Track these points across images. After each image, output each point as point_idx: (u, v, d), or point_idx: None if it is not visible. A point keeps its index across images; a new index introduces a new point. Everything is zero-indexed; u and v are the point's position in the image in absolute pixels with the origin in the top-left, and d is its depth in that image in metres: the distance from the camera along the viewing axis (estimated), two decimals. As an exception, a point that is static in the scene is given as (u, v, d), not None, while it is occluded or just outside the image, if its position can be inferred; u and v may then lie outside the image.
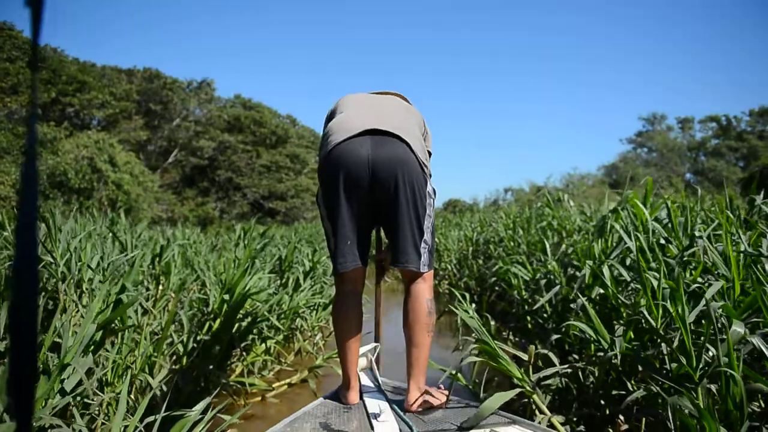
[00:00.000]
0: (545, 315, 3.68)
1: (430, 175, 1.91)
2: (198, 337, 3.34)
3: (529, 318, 3.84)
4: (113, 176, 18.83)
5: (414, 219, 1.78)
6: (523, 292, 3.96)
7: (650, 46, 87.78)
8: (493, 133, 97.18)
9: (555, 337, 2.67)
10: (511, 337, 4.19)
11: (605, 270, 2.67)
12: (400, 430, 1.64)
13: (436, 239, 9.29)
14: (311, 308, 4.36)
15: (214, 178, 35.15)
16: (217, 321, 3.22)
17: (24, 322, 0.30)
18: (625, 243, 2.81)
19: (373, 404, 1.83)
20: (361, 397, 1.95)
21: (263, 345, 3.63)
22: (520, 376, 2.06)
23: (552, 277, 3.49)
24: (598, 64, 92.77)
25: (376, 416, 1.71)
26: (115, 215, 7.68)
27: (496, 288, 5.47)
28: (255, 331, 3.57)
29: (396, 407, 1.82)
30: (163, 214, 29.58)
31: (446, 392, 1.94)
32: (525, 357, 2.34)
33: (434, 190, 1.90)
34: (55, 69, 26.31)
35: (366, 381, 2.14)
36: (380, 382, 2.11)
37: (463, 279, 7.10)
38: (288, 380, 3.61)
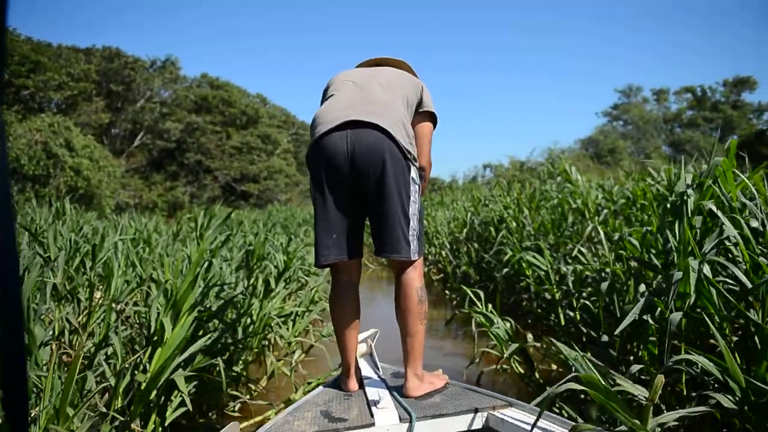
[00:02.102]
0: (578, 317, 2.90)
1: (415, 159, 1.83)
2: (137, 371, 2.48)
3: (557, 319, 3.05)
4: (71, 161, 17.54)
5: (399, 207, 1.75)
6: (555, 291, 3.16)
7: (625, 17, 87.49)
8: (468, 106, 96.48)
9: (637, 367, 1.86)
10: (533, 339, 3.40)
11: (707, 271, 1.87)
12: (400, 416, 1.64)
13: (424, 223, 8.55)
14: (287, 318, 3.49)
15: (182, 161, 33.76)
16: (161, 348, 2.35)
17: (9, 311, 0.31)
18: (723, 231, 2.02)
19: (373, 391, 1.85)
20: (361, 385, 1.96)
21: (226, 374, 2.76)
22: (639, 425, 1.28)
23: (605, 274, 2.69)
24: (573, 36, 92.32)
25: (375, 403, 1.72)
26: (59, 205, 6.72)
27: (508, 280, 4.68)
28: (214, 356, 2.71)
29: (395, 394, 1.82)
30: (130, 200, 28.33)
31: (445, 377, 1.96)
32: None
33: (419, 175, 1.87)
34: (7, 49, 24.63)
35: (366, 367, 2.13)
36: (380, 368, 2.13)
37: (461, 268, 6.26)
38: (259, 419, 2.76)
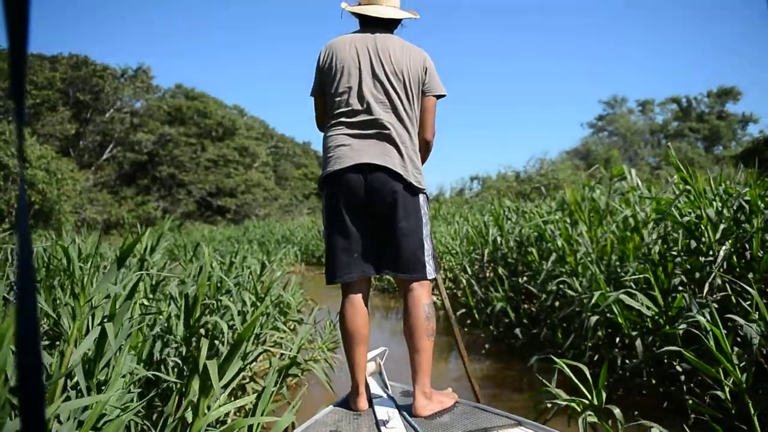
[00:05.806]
0: None
1: (424, 190, 1.91)
2: None
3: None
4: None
5: (410, 231, 1.81)
6: (738, 376, 1.73)
7: (609, 26, 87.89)
8: (452, 118, 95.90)
9: None
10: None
11: None
12: None
13: (434, 242, 7.31)
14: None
15: (155, 174, 32.00)
16: None
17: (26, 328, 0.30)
18: None
19: (382, 411, 1.82)
20: (370, 404, 1.92)
21: None
22: None
23: None
24: (557, 47, 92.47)
25: (384, 423, 1.70)
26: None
27: (569, 321, 3.26)
28: None
29: (404, 413, 1.79)
30: (98, 216, 26.46)
31: (454, 395, 1.95)
32: None
33: (427, 198, 1.94)
34: (-40, 54, 22.86)
35: (375, 386, 2.10)
36: (389, 386, 2.10)
37: (494, 304, 4.65)
38: None
